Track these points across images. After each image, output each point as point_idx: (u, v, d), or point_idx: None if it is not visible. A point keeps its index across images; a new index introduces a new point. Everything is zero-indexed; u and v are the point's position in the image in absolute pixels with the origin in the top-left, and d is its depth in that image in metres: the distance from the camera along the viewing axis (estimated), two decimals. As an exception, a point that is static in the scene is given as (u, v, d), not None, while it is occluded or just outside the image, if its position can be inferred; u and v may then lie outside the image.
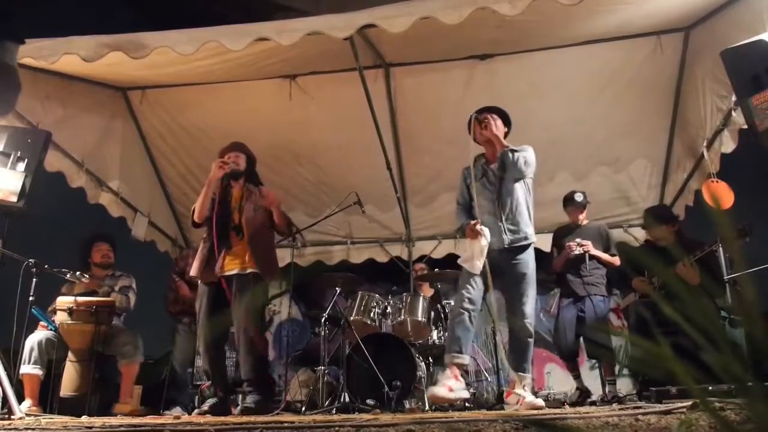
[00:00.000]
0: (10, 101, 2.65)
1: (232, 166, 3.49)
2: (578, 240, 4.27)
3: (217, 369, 3.45)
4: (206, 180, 3.49)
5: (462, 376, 3.18)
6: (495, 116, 3.31)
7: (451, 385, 3.03)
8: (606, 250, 4.34)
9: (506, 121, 3.38)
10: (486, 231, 3.10)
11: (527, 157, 3.17)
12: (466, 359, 3.12)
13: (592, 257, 4.25)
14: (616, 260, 4.34)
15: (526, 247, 3.16)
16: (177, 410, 4.12)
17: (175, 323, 4.85)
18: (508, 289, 3.18)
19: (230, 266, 3.39)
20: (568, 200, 4.53)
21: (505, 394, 3.31)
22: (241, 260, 3.38)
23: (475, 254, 3.09)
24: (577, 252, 4.23)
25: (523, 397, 2.98)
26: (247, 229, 3.42)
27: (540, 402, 2.96)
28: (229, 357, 5.45)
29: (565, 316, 4.31)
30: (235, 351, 4.23)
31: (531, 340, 3.08)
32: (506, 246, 3.14)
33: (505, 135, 3.36)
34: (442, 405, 3.72)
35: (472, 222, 3.15)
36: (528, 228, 3.19)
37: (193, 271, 3.47)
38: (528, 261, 3.14)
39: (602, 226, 4.61)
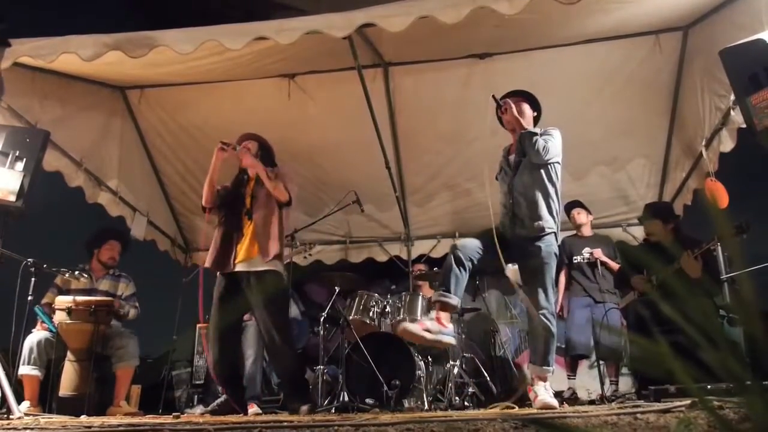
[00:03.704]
0: None
1: (236, 146, 3.49)
2: (588, 249, 4.68)
3: (224, 366, 3.31)
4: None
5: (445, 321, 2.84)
6: (519, 100, 3.16)
7: (428, 326, 2.76)
8: (613, 258, 4.73)
9: (534, 106, 3.19)
10: (511, 272, 2.90)
11: (548, 140, 2.95)
12: (453, 299, 2.81)
13: (602, 263, 4.62)
14: (617, 268, 4.69)
15: (539, 237, 2.94)
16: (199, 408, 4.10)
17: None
18: (524, 281, 2.97)
19: (241, 256, 3.33)
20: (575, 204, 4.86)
21: (527, 389, 3.19)
22: (248, 247, 3.33)
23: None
24: (589, 259, 4.65)
25: (537, 395, 2.84)
26: (255, 212, 3.40)
27: (553, 402, 2.78)
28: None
29: (580, 318, 4.55)
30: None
31: (548, 334, 2.84)
32: (517, 239, 2.96)
33: (536, 120, 3.19)
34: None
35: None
36: (542, 219, 2.94)
37: (207, 262, 3.40)
38: (541, 251, 2.91)
39: (608, 236, 5.10)
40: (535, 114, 3.20)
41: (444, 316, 2.81)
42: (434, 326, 2.75)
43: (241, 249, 3.35)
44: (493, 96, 3.15)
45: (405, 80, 4.65)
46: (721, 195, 3.72)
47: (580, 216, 4.85)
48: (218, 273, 3.40)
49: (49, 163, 3.98)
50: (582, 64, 4.41)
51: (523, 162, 3.03)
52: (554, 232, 2.99)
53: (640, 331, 3.50)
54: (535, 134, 2.99)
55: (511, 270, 2.98)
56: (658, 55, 4.22)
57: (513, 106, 3.09)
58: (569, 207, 4.88)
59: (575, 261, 4.71)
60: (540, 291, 2.89)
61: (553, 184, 3.03)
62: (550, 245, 2.96)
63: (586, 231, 4.87)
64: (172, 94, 4.76)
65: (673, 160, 5.05)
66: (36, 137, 3.18)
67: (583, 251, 4.72)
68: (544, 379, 2.92)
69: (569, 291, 4.79)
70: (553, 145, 2.97)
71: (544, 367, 2.91)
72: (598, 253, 4.63)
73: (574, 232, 4.92)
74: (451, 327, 2.82)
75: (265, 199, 3.44)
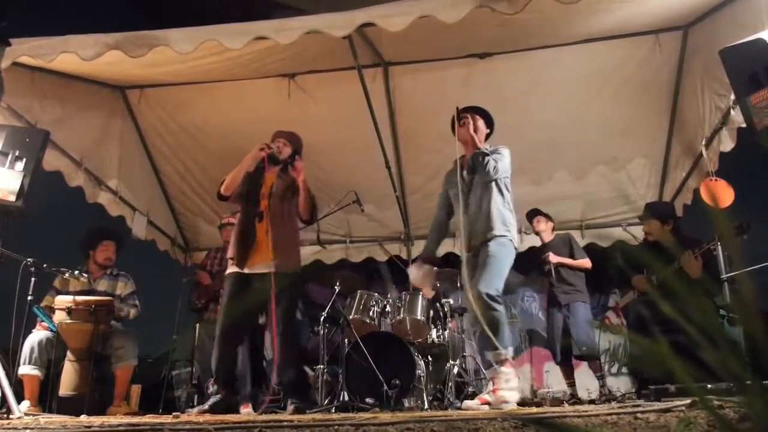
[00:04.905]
0: None
1: (275, 151, 3.45)
2: (544, 257, 4.80)
3: (224, 365, 3.28)
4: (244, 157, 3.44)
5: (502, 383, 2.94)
6: (477, 116, 3.27)
7: (487, 399, 2.91)
8: (570, 256, 4.81)
9: (489, 123, 3.34)
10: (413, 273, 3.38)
11: (498, 160, 3.08)
12: (504, 353, 2.92)
13: (558, 265, 4.73)
14: (585, 262, 4.80)
15: (492, 239, 3.05)
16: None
17: (199, 321, 4.69)
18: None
19: (256, 260, 3.29)
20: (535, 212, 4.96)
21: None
22: (264, 253, 3.27)
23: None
24: (549, 266, 4.75)
25: (496, 388, 2.83)
26: (269, 217, 3.33)
27: (509, 396, 2.80)
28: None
29: (555, 323, 4.73)
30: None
31: (490, 316, 2.84)
32: (472, 250, 3.06)
33: (488, 136, 3.33)
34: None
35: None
36: (493, 230, 3.07)
37: (230, 253, 3.38)
38: (491, 248, 3.01)
39: (567, 234, 5.12)
40: (488, 131, 3.34)
41: (502, 377, 2.94)
42: (492, 399, 2.90)
43: (256, 253, 3.30)
44: (457, 107, 3.28)
45: (405, 80, 4.65)
46: (724, 193, 3.72)
47: (540, 224, 4.97)
48: (232, 270, 3.37)
49: (49, 163, 3.98)
50: (582, 64, 4.41)
51: (475, 178, 3.18)
52: (506, 237, 3.08)
53: (641, 330, 3.50)
54: (487, 154, 3.10)
55: (413, 271, 3.36)
56: (658, 54, 4.22)
57: (471, 122, 3.23)
58: (530, 215, 5.00)
59: (546, 270, 4.82)
60: (481, 276, 2.95)
61: (504, 197, 3.17)
62: (500, 243, 3.04)
63: (546, 237, 4.99)
64: (172, 94, 4.75)
65: (673, 159, 5.05)
66: (36, 137, 3.17)
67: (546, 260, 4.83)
68: (503, 363, 2.88)
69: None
70: (502, 164, 3.12)
71: (497, 351, 2.89)
72: (551, 257, 4.75)
73: (539, 242, 5.02)
74: (514, 396, 2.94)
75: (283, 205, 3.39)
